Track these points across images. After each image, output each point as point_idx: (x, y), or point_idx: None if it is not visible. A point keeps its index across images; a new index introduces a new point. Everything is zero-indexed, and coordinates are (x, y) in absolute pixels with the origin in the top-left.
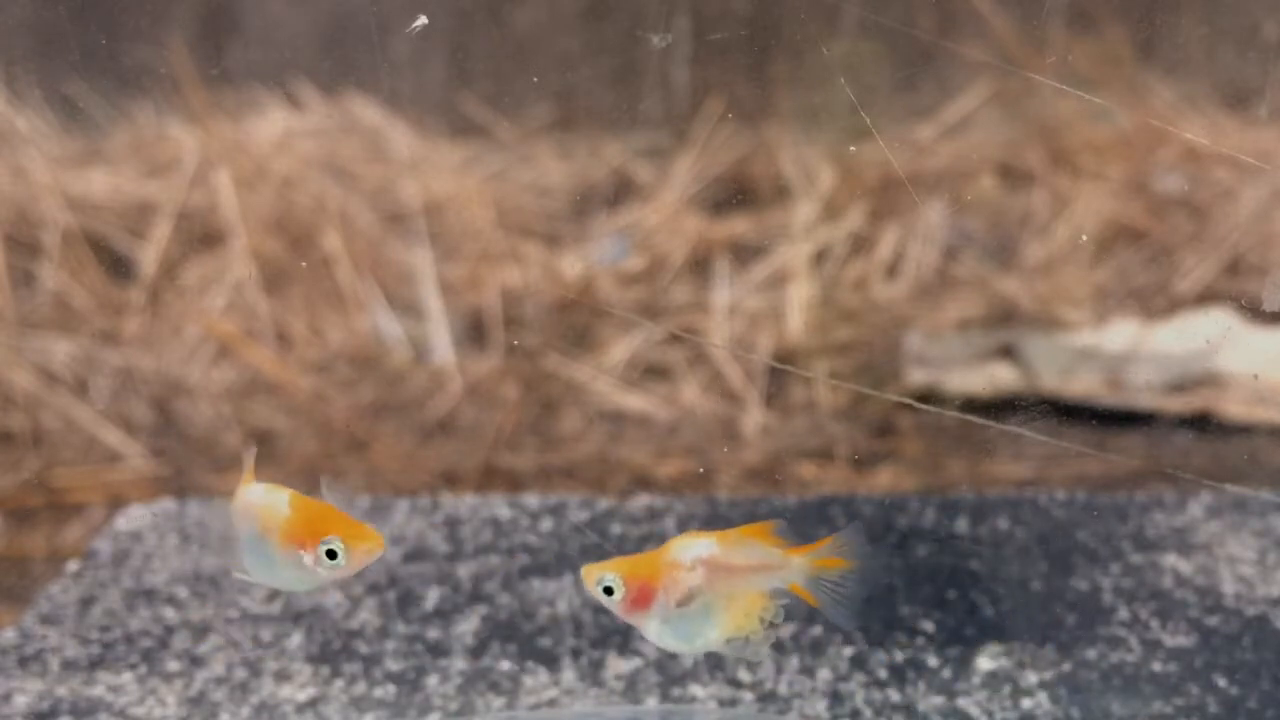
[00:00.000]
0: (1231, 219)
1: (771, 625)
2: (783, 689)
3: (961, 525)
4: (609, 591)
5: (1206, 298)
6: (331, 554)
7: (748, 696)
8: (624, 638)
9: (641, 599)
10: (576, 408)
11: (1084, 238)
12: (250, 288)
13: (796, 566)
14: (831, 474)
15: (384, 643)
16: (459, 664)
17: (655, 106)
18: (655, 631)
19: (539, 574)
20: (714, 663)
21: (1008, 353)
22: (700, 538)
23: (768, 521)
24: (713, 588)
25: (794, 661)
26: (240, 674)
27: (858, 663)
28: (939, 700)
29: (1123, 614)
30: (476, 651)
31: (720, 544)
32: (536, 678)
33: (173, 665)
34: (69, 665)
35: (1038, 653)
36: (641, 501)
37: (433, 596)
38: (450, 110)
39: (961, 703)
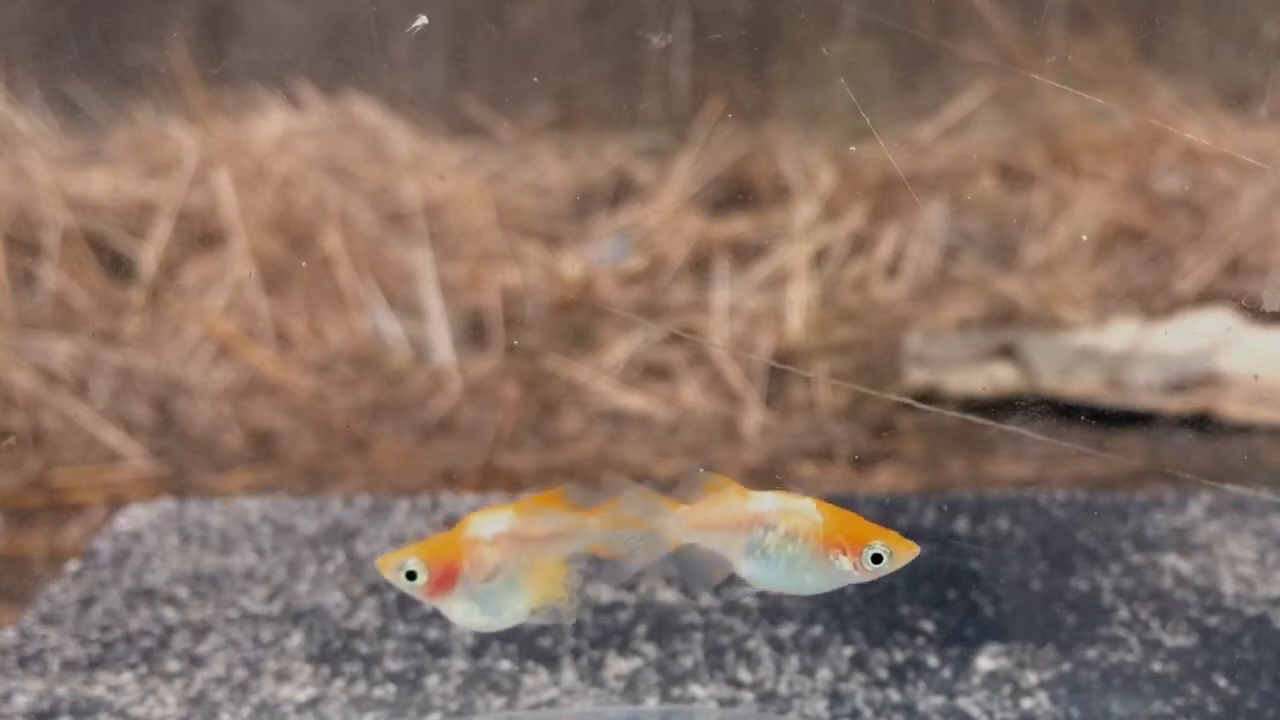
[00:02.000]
0: (1231, 219)
1: (577, 591)
2: (783, 689)
3: (961, 525)
4: (411, 576)
5: (1206, 298)
6: (877, 558)
7: (748, 696)
8: (624, 638)
9: (446, 580)
10: (576, 408)
11: (1084, 238)
12: (250, 288)
13: (592, 528)
14: (831, 474)
15: (384, 643)
16: (459, 664)
17: (655, 106)
18: (462, 610)
19: None
20: (714, 663)
21: (1008, 353)
22: (496, 511)
23: (559, 488)
24: (515, 560)
25: (794, 661)
26: (240, 674)
27: (858, 663)
28: (939, 700)
29: (1123, 614)
30: (476, 651)
31: (517, 515)
32: (536, 678)
33: (173, 665)
34: (69, 665)
35: (1038, 653)
36: None
37: None
38: (450, 110)
39: (961, 703)
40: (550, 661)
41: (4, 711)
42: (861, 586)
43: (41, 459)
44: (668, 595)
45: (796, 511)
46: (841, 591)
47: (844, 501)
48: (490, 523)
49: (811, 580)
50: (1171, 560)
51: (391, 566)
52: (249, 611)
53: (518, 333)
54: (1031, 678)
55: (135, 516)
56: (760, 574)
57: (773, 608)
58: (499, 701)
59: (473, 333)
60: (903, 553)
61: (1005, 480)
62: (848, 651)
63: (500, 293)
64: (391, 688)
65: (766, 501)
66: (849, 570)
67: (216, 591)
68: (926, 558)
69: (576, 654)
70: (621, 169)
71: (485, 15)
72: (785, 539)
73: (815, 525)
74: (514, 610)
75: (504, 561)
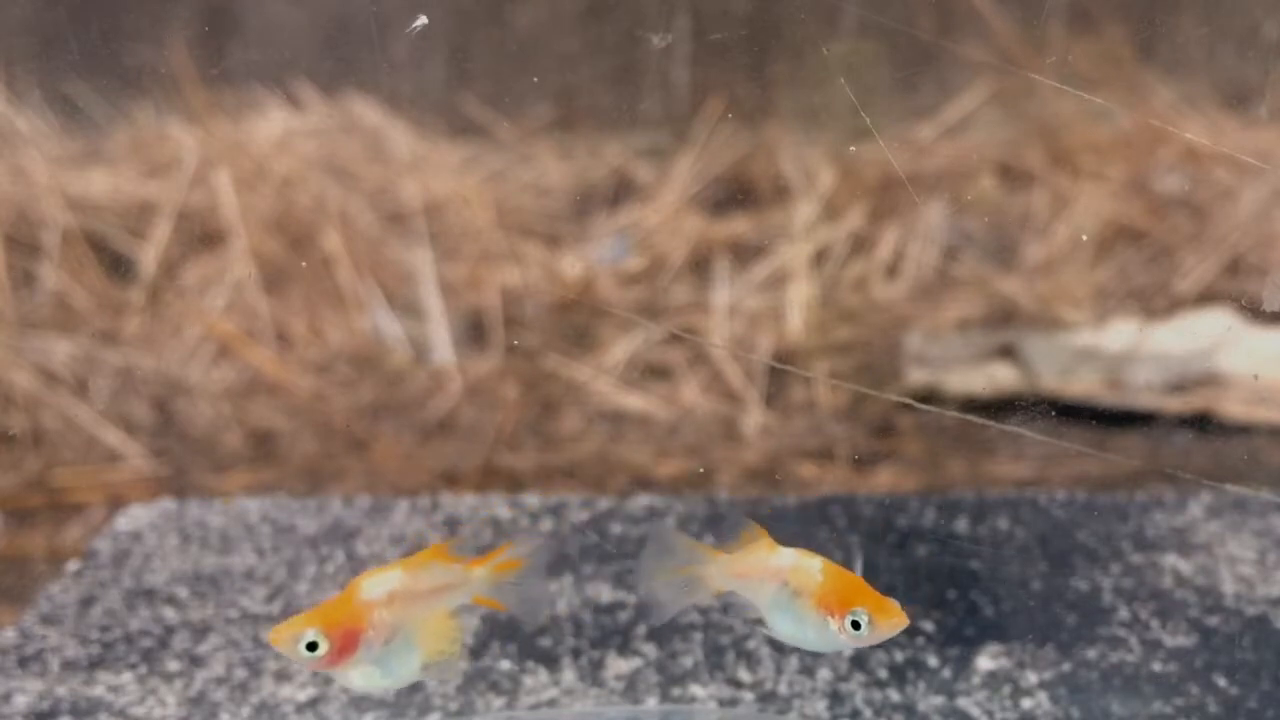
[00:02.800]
0: (1231, 219)
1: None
2: (783, 689)
3: (961, 525)
4: (312, 647)
5: (1206, 298)
6: (856, 625)
7: (748, 696)
8: (624, 638)
9: (347, 648)
10: (576, 408)
11: (1084, 238)
12: (250, 288)
13: (477, 578)
14: (831, 474)
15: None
16: (459, 664)
17: (655, 106)
18: (362, 676)
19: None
20: (714, 663)
21: (1008, 353)
22: (385, 571)
23: (444, 542)
24: (407, 618)
25: (794, 661)
26: (240, 674)
27: (858, 663)
28: (939, 700)
29: (1123, 614)
30: (476, 651)
31: (405, 573)
32: (536, 678)
33: (173, 665)
34: (69, 665)
35: (1038, 653)
36: (641, 501)
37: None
38: (450, 110)
39: (961, 703)
40: (550, 661)
41: (4, 711)
42: None
43: (41, 459)
44: None
45: (804, 569)
46: None
47: (844, 501)
48: (382, 583)
49: (814, 638)
50: (1171, 560)
51: (287, 640)
52: (249, 611)
53: (518, 333)
54: (1031, 678)
55: (135, 516)
56: (779, 626)
57: None
58: (499, 701)
59: (473, 333)
60: (884, 622)
61: (1005, 480)
62: (847, 651)
63: (500, 293)
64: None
65: (785, 557)
66: (837, 633)
67: (216, 591)
68: (926, 558)
69: (576, 654)
70: (621, 169)
71: (485, 15)
72: (794, 595)
73: (815, 585)
74: (410, 669)
75: (399, 621)
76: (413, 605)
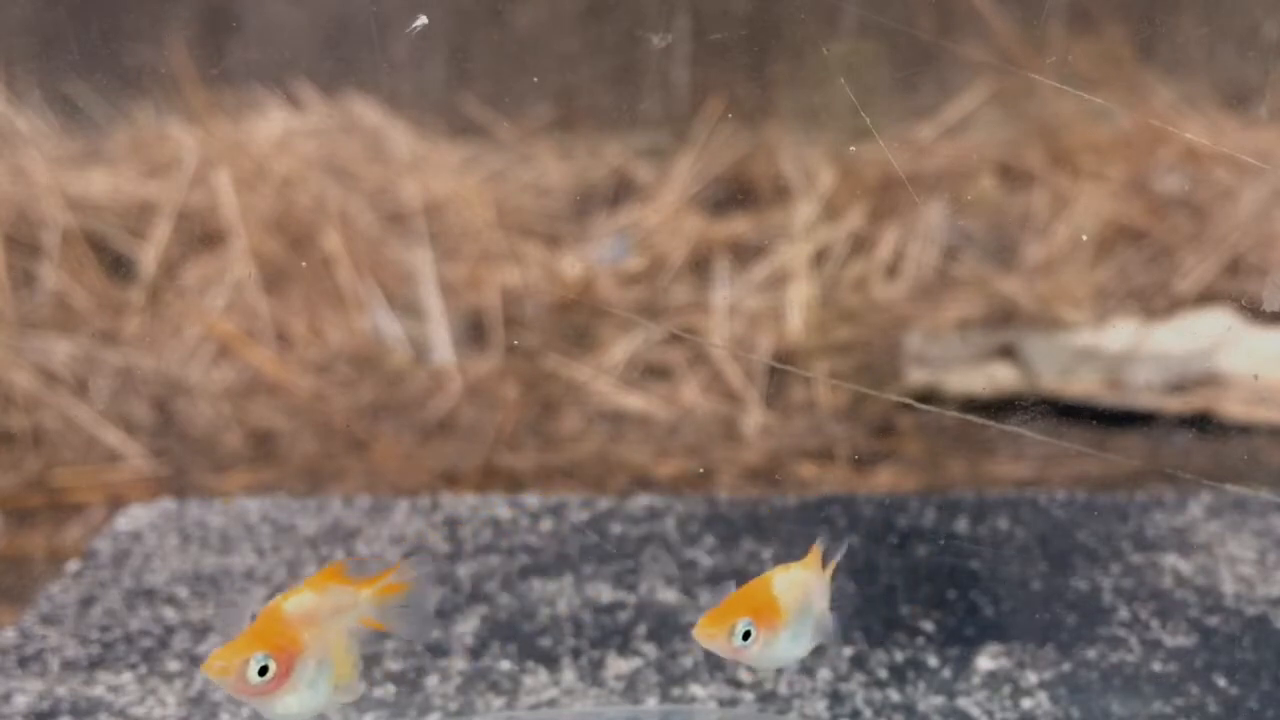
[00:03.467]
0: (1231, 219)
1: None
2: (783, 689)
3: (961, 525)
4: (263, 672)
5: (1206, 298)
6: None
7: (748, 696)
8: (624, 638)
9: (289, 669)
10: (576, 408)
11: (1084, 238)
12: (250, 288)
13: (365, 600)
14: (831, 474)
15: (384, 643)
16: (459, 664)
17: (655, 106)
18: (297, 701)
19: (539, 574)
20: (714, 663)
21: (1008, 353)
22: (299, 593)
23: (339, 563)
24: (323, 638)
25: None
26: None
27: (858, 663)
28: (939, 700)
29: (1123, 614)
30: (476, 651)
31: (314, 593)
32: (536, 678)
33: (173, 665)
34: (69, 665)
35: (1038, 653)
36: (641, 501)
37: (433, 597)
38: (450, 110)
39: (961, 703)
40: (550, 661)
41: (4, 711)
42: (861, 586)
43: (41, 459)
44: (668, 595)
45: None
46: (842, 592)
47: (844, 501)
48: (303, 603)
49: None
50: (1171, 560)
51: (236, 667)
52: (249, 612)
53: (518, 333)
54: (1031, 678)
55: (135, 516)
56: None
57: None
58: (499, 701)
59: (473, 333)
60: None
61: (1005, 480)
62: (848, 651)
63: (500, 293)
64: (391, 688)
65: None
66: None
67: (216, 591)
68: (926, 558)
69: (576, 654)
70: (621, 169)
71: (485, 15)
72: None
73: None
74: (326, 692)
75: (318, 642)
76: (324, 626)
